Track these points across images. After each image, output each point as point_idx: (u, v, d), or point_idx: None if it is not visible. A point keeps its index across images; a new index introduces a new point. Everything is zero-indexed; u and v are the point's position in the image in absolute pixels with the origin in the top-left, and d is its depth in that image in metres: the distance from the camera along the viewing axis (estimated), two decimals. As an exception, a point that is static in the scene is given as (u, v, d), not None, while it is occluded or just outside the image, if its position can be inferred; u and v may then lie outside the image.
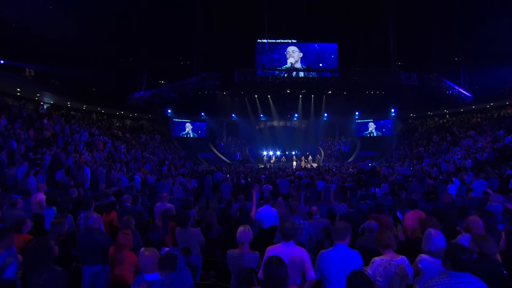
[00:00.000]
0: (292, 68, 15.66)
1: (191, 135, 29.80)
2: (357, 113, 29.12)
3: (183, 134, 29.33)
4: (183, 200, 6.76)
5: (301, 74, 17.96)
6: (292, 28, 21.46)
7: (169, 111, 28.52)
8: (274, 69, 15.15)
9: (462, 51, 20.03)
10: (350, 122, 29.90)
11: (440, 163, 17.02)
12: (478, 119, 20.93)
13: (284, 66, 17.53)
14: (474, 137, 18.67)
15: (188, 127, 29.62)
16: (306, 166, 23.09)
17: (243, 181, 11.92)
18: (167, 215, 4.88)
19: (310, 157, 24.83)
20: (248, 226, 3.01)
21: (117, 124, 24.72)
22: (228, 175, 12.38)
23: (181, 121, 29.44)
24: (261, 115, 31.26)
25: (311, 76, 15.31)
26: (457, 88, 15.38)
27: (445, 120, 24.47)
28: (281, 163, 24.79)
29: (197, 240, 3.90)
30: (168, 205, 5.71)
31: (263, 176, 13.03)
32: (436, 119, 25.55)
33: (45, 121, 14.96)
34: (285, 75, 14.35)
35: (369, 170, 9.08)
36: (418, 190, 8.54)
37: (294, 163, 24.10)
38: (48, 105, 20.62)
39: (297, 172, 14.67)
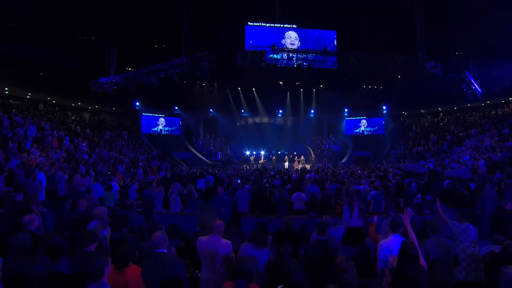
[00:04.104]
0: (310, 50, 13.69)
1: (164, 132, 26.57)
2: (346, 110, 28.23)
3: (154, 131, 25.98)
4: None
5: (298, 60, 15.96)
6: (287, 12, 19.62)
7: (137, 103, 25.04)
8: (289, 50, 13.00)
9: (459, 47, 19.77)
10: (339, 119, 28.95)
11: (448, 164, 16.37)
12: (476, 118, 20.98)
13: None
14: (477, 136, 18.46)
15: (161, 122, 26.33)
16: (299, 167, 21.50)
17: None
18: (244, 271, 2.53)
19: (302, 157, 23.23)
20: None
21: (73, 118, 20.77)
22: (242, 180, 9.99)
23: (152, 116, 26.07)
24: (242, 111, 29.05)
25: (322, 66, 13.44)
26: (474, 82, 14.76)
27: (439, 118, 24.48)
28: (272, 163, 22.87)
29: None
30: (223, 241, 3.35)
31: (277, 181, 10.92)
32: (429, 117, 25.55)
33: (-27, 109, 11.25)
34: (300, 59, 12.27)
35: (430, 174, 7.45)
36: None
37: (286, 163, 22.31)
38: (-23, 90, 16.32)
39: (307, 175, 12.80)
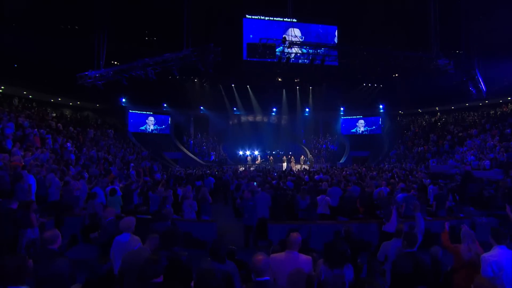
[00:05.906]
0: (323, 44, 13.20)
1: (152, 131, 25.50)
2: (342, 109, 28.15)
3: (142, 130, 24.86)
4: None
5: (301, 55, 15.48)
6: (287, 4, 19.27)
7: (124, 100, 23.85)
8: (303, 43, 12.40)
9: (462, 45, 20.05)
10: (334, 118, 28.86)
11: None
12: (475, 117, 21.40)
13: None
14: (477, 136, 18.77)
15: (150, 121, 25.23)
16: (298, 167, 21.18)
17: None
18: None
19: (302, 157, 22.93)
20: None
21: (54, 115, 19.42)
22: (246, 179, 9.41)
23: (140, 113, 24.94)
24: (235, 109, 28.39)
25: (335, 62, 13.01)
26: (481, 80, 14.91)
27: (436, 118, 24.85)
28: (270, 164, 22.41)
29: None
30: (304, 257, 2.80)
31: (290, 182, 10.46)
32: (426, 116, 25.89)
33: None
34: (313, 54, 11.74)
35: (464, 175, 7.22)
36: None
37: (285, 164, 21.92)
38: None
39: (316, 177, 12.42)
